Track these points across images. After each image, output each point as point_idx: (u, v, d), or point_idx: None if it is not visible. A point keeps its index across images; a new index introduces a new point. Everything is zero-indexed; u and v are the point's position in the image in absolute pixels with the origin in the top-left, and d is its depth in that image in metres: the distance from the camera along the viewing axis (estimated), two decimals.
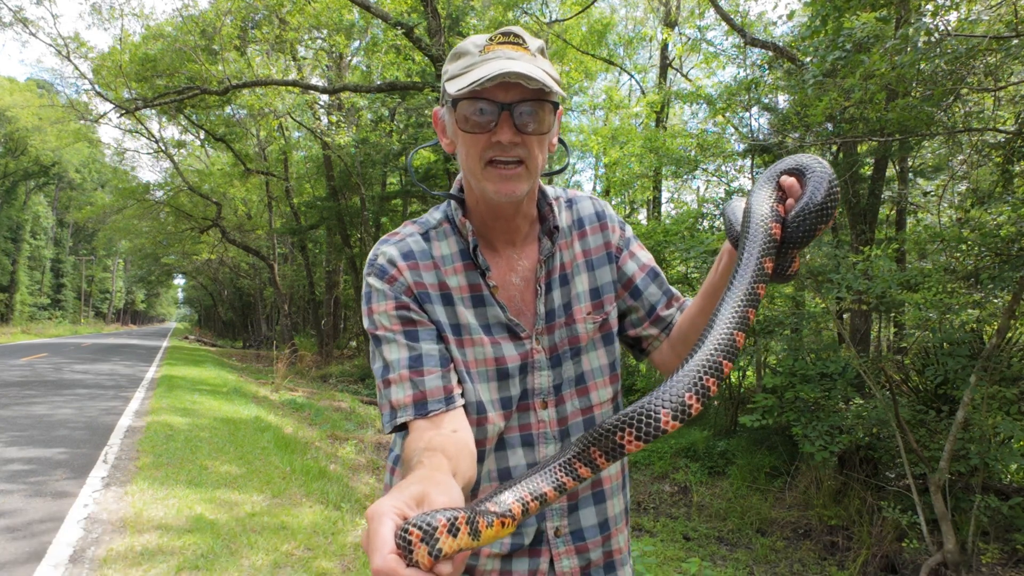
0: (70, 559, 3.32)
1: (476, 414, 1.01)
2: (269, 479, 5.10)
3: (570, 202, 1.16)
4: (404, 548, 0.55)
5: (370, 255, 1.05)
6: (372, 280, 1.02)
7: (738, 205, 0.92)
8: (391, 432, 0.99)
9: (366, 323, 1.02)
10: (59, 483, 4.65)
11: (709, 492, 6.91)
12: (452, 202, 1.08)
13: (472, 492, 1.02)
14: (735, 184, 9.76)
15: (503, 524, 0.63)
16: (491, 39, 0.96)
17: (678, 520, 6.26)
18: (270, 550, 3.60)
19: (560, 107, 1.01)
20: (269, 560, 3.47)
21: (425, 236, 1.06)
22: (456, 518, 0.56)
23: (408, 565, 0.54)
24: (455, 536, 0.56)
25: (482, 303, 1.04)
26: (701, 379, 0.67)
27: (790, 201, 0.86)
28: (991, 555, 4.59)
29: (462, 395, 1.00)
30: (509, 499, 0.66)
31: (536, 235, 1.09)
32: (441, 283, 1.03)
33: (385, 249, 1.04)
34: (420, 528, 0.55)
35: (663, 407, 0.66)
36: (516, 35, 0.96)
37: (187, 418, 7.43)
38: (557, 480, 0.70)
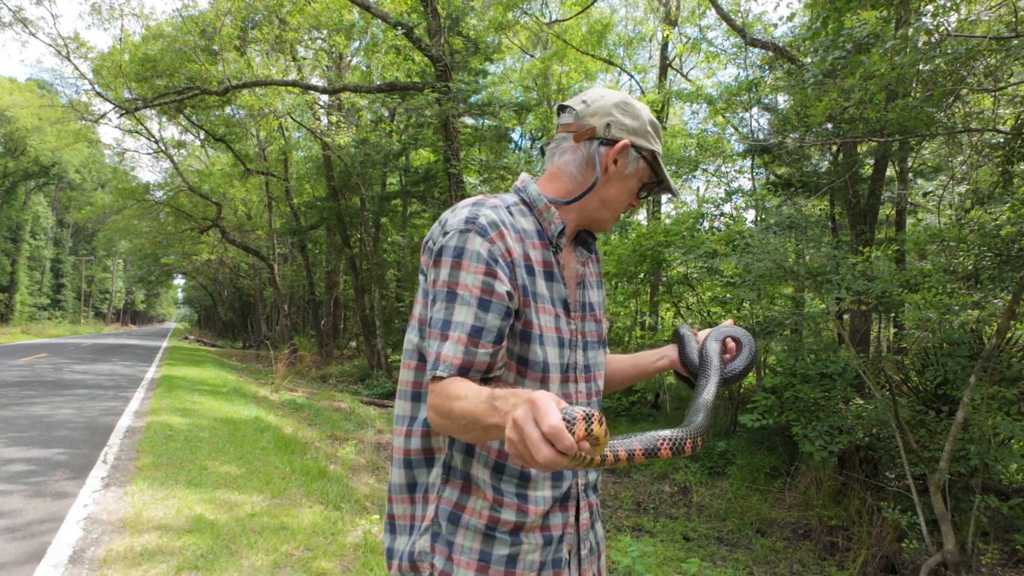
0: (70, 559, 3.32)
1: (541, 372, 1.13)
2: (269, 479, 5.10)
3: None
4: (568, 422, 0.74)
5: (468, 214, 1.09)
6: (471, 238, 1.06)
7: (689, 335, 1.33)
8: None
9: (444, 274, 1.06)
10: (59, 483, 4.65)
11: (709, 492, 6.91)
12: (546, 197, 1.22)
13: None
14: (735, 184, 9.76)
15: (612, 451, 0.85)
16: (652, 124, 1.23)
17: (678, 520, 6.26)
18: (270, 550, 3.60)
19: None
20: (269, 560, 3.47)
21: (508, 210, 1.15)
22: (603, 418, 0.78)
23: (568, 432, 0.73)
24: (601, 425, 0.76)
25: (552, 279, 1.17)
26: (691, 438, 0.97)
27: (727, 356, 1.28)
28: (991, 555, 4.59)
29: (501, 367, 1.10)
30: (619, 446, 0.88)
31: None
32: (526, 255, 1.13)
33: (486, 212, 1.09)
34: (584, 411, 0.75)
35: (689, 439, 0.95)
36: None
37: (187, 418, 7.43)
38: (631, 449, 0.91)
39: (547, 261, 1.17)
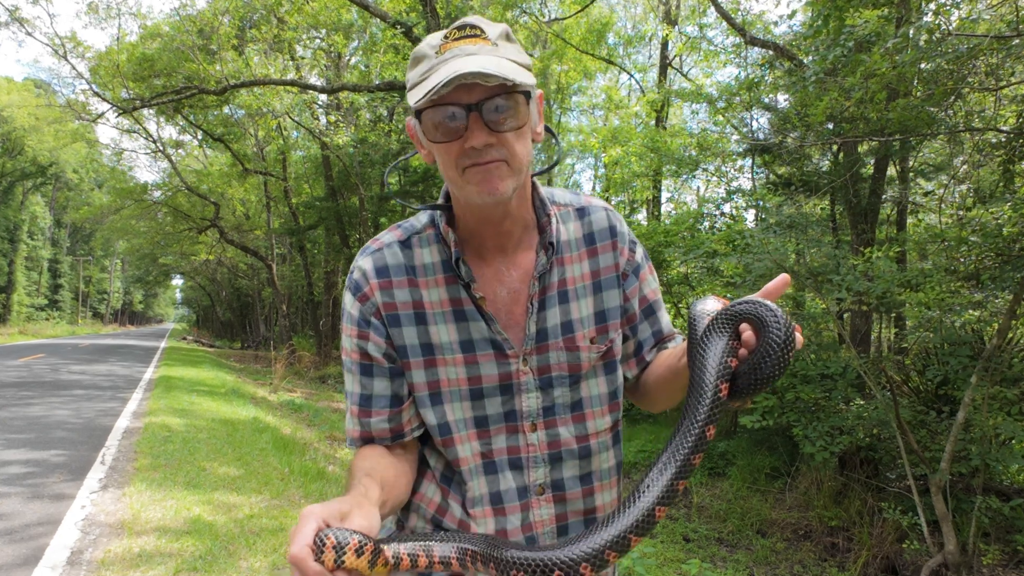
0: (67, 561, 3.30)
1: (441, 436, 0.99)
2: (267, 480, 5.08)
3: (582, 211, 1.04)
4: (317, 547, 0.66)
5: (352, 265, 1.01)
6: (347, 297, 1.00)
7: (699, 316, 0.87)
8: None
9: (342, 339, 1.03)
10: (56, 485, 4.62)
11: (709, 493, 6.90)
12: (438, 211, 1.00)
13: (466, 512, 1.01)
14: (735, 184, 9.75)
15: (385, 564, 0.72)
16: (446, 36, 0.86)
17: (678, 521, 6.24)
18: (268, 552, 3.58)
19: (538, 92, 0.93)
20: (267, 562, 3.45)
21: (406, 243, 0.99)
22: (365, 544, 0.68)
23: (315, 560, 0.65)
24: (358, 556, 0.68)
25: (464, 318, 0.96)
26: (603, 552, 0.71)
27: (743, 351, 0.80)
28: (992, 556, 4.58)
29: (417, 427, 1.01)
30: (403, 549, 0.75)
31: (533, 244, 1.00)
32: (415, 301, 0.97)
33: (362, 263, 0.99)
34: (336, 538, 0.67)
35: (583, 561, 0.71)
36: (472, 26, 0.86)
37: (185, 419, 7.41)
38: (460, 553, 0.77)
39: (454, 299, 0.97)
